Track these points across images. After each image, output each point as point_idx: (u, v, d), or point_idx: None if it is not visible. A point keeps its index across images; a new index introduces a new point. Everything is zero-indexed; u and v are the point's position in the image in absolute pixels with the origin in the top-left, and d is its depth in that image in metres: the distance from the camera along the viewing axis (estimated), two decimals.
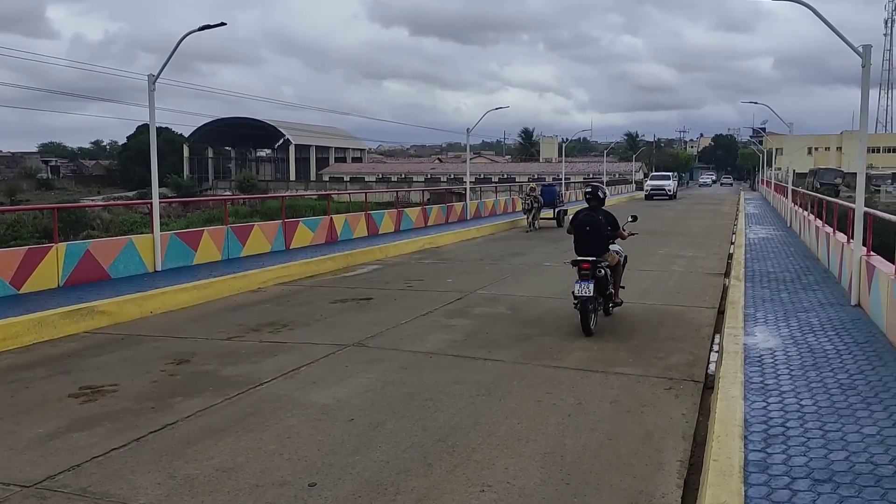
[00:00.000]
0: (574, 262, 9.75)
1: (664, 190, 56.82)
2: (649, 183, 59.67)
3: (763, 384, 6.76)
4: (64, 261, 12.10)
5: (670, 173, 66.04)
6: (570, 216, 15.29)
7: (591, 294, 9.37)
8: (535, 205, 26.88)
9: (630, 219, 11.18)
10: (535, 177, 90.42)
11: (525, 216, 27.39)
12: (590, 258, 9.64)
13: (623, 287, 10.78)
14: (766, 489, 4.54)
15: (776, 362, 7.53)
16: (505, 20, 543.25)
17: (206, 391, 7.21)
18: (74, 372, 7.92)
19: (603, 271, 9.77)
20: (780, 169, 55.41)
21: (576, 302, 9.44)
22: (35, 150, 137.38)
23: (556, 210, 28.97)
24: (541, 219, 27.48)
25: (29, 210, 38.24)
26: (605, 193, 10.37)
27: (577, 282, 9.46)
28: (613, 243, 10.22)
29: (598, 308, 9.98)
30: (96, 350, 9.00)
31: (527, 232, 26.34)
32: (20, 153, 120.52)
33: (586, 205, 10.21)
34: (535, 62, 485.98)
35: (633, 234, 11.22)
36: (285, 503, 4.78)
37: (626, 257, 10.75)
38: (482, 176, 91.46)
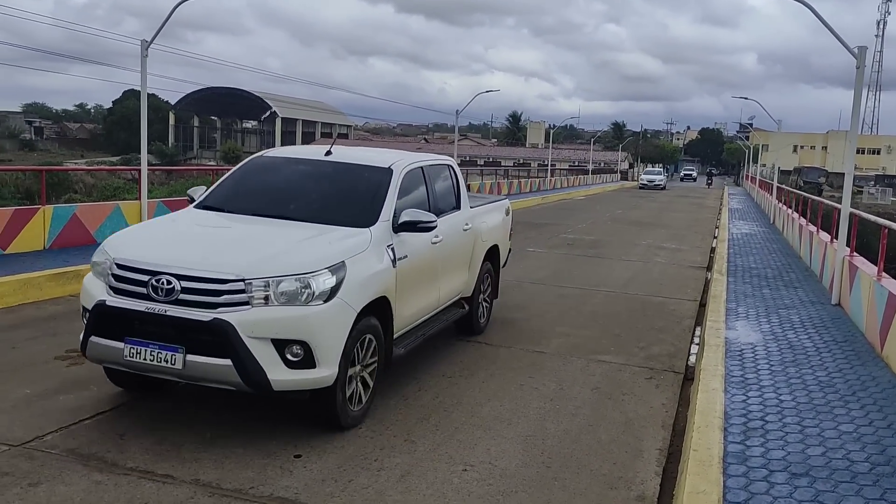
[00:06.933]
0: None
1: None
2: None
3: (743, 378, 6.88)
4: (51, 223, 12.01)
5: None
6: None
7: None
8: None
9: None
10: (521, 161, 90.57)
11: None
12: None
13: None
14: (744, 480, 4.65)
15: (756, 357, 7.65)
16: (490, 3, 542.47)
17: None
18: (60, 335, 7.90)
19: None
20: (765, 165, 55.79)
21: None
22: (18, 109, 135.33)
23: None
24: None
25: (13, 171, 37.80)
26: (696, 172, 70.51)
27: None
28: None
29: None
30: None
31: None
32: (3, 112, 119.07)
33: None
34: (520, 46, 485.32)
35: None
36: (271, 472, 4.84)
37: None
38: (468, 158, 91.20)
